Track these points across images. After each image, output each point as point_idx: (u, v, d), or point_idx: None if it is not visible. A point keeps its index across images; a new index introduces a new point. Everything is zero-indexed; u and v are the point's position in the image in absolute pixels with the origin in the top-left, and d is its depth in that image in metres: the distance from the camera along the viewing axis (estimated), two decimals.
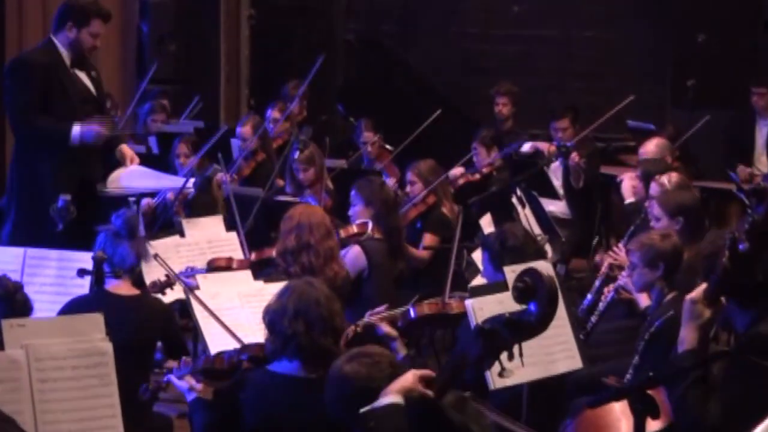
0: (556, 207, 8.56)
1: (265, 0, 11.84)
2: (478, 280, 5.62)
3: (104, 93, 6.87)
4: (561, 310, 4.91)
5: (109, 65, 6.75)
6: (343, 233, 6.17)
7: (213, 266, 5.91)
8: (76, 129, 6.36)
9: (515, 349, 3.31)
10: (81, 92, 6.52)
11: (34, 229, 6.20)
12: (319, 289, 4.08)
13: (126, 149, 6.64)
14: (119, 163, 6.60)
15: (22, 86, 6.33)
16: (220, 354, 4.37)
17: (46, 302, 5.18)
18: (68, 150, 6.36)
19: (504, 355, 3.29)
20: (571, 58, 11.46)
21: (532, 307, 3.27)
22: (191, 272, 5.49)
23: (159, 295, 5.43)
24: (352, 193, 6.47)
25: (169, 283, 5.41)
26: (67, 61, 6.48)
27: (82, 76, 6.56)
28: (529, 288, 3.25)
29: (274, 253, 5.78)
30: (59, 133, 6.35)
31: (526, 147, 8.87)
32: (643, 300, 5.55)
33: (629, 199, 7.13)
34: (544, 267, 4.53)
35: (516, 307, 3.32)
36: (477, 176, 8.54)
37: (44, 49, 6.49)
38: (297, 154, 7.44)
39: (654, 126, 9.45)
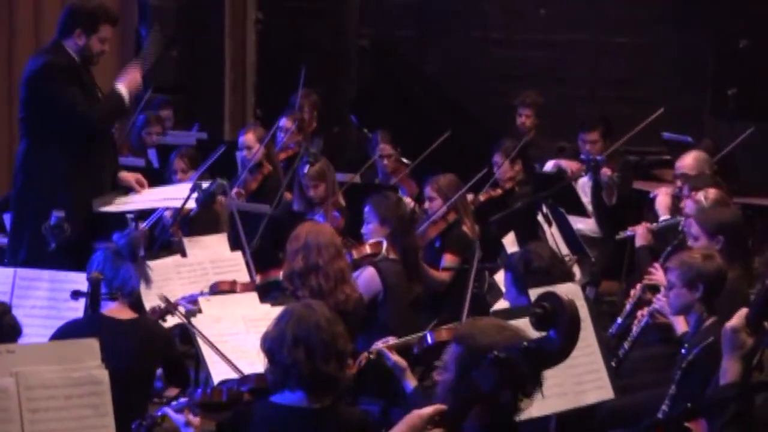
0: (584, 225, 8.55)
1: (273, 2, 11.88)
2: (501, 304, 5.61)
3: None
4: (591, 337, 4.91)
5: (105, 72, 6.79)
6: (355, 254, 6.17)
7: (215, 291, 5.92)
8: (122, 88, 6.59)
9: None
10: (90, 99, 6.58)
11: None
12: (319, 312, 4.08)
13: (128, 176, 6.69)
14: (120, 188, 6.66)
15: (61, 85, 6.40)
16: (219, 386, 4.38)
17: (37, 326, 5.19)
18: (83, 163, 6.42)
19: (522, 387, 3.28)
20: (602, 65, 11.46)
21: (552, 334, 3.26)
22: (193, 297, 5.49)
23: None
24: (366, 209, 6.48)
25: (169, 310, 5.41)
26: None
27: (89, 82, 6.64)
28: (548, 314, 3.23)
29: (281, 275, 5.78)
30: (115, 104, 6.59)
31: (549, 166, 8.84)
32: (680, 325, 5.52)
33: (664, 215, 7.11)
34: (572, 290, 4.53)
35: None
36: (499, 191, 8.54)
37: (58, 52, 6.53)
38: (307, 169, 7.45)
39: (691, 138, 9.43)
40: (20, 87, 6.60)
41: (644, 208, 7.83)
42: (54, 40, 6.64)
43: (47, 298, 5.41)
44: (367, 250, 6.25)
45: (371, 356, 5.17)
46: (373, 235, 6.40)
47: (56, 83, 6.43)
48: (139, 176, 6.73)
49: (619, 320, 5.98)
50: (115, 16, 6.67)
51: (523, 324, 3.72)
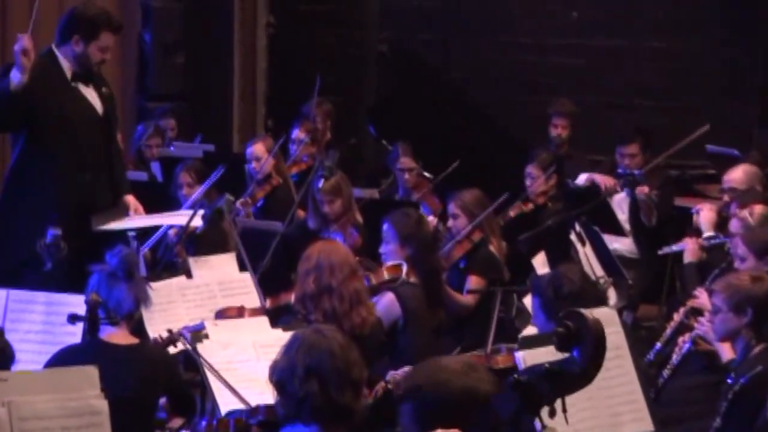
0: (621, 245, 8.54)
1: (285, 5, 11.92)
2: (530, 330, 5.61)
3: (115, 113, 6.92)
4: (628, 365, 4.91)
5: (106, 79, 6.85)
6: (373, 279, 6.17)
7: (222, 317, 5.92)
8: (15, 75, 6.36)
9: (557, 404, 3.29)
10: (83, 110, 6.60)
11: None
12: (332, 338, 4.06)
13: (131, 200, 6.71)
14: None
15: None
16: (226, 417, 4.37)
17: (31, 352, 5.21)
18: (72, 174, 6.44)
19: (544, 411, 3.29)
20: (641, 72, 11.45)
21: (576, 355, 3.26)
22: (199, 326, 5.48)
23: None
24: (385, 228, 6.48)
25: (172, 339, 5.41)
26: (68, 74, 6.57)
27: (87, 91, 6.64)
28: (572, 333, 3.25)
29: (292, 298, 5.78)
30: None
31: (581, 179, 8.83)
32: (726, 352, 5.51)
33: (708, 232, 7.10)
34: (607, 315, 4.53)
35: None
36: (530, 206, 8.54)
37: (44, 58, 6.57)
38: (321, 183, 7.46)
39: (738, 151, 9.41)
40: None
41: (687, 226, 7.81)
42: (48, 47, 6.68)
43: (42, 321, 5.43)
44: (385, 275, 6.24)
45: (389, 386, 5.16)
46: (392, 255, 6.40)
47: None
48: (138, 205, 6.74)
49: (658, 346, 5.97)
50: (118, 23, 6.69)
51: (552, 351, 3.73)
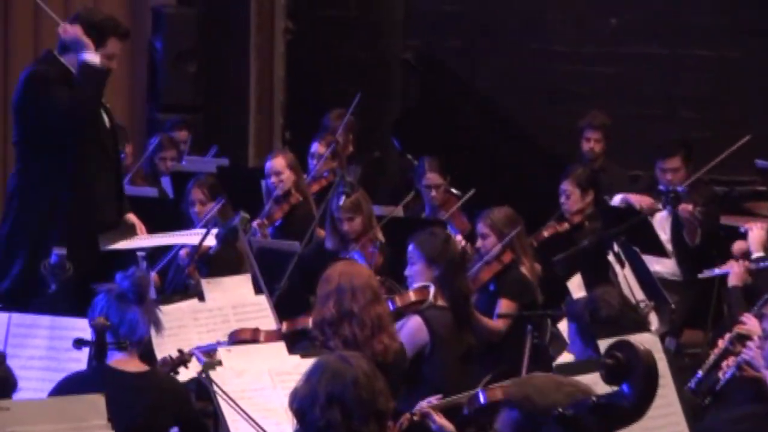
0: (663, 267, 8.51)
1: (304, 10, 11.95)
2: (565, 357, 5.59)
3: (117, 125, 6.97)
4: (671, 394, 4.89)
5: (114, 89, 6.84)
6: (399, 302, 6.15)
7: (235, 340, 5.92)
8: (87, 56, 6.49)
9: None
10: (97, 122, 6.63)
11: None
12: (357, 366, 4.06)
13: (134, 219, 6.73)
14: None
15: (44, 91, 6.45)
16: None
17: (34, 379, 5.21)
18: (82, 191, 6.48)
19: None
20: (682, 81, 11.43)
21: (626, 388, 3.24)
22: (211, 347, 5.50)
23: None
24: (410, 249, 6.47)
25: (183, 360, 5.41)
26: None
27: None
28: (621, 365, 3.23)
29: (309, 323, 5.77)
30: (90, 74, 6.47)
31: (616, 200, 8.80)
32: None
33: (757, 252, 7.07)
34: (648, 341, 4.50)
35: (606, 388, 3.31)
36: (566, 225, 8.51)
37: (49, 64, 6.59)
38: (341, 200, 7.46)
39: None
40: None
41: (734, 246, 7.77)
42: (46, 51, 6.70)
43: (46, 347, 5.44)
44: (412, 297, 6.22)
45: (414, 418, 5.14)
46: (418, 278, 6.40)
47: (39, 90, 6.46)
48: (140, 223, 6.76)
49: (700, 374, 5.93)
50: (125, 29, 6.71)
51: (591, 380, 3.71)
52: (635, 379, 3.22)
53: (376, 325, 5.58)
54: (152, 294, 5.40)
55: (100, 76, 6.56)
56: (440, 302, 6.30)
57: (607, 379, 3.26)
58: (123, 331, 5.01)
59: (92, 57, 6.50)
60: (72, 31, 6.51)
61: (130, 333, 5.00)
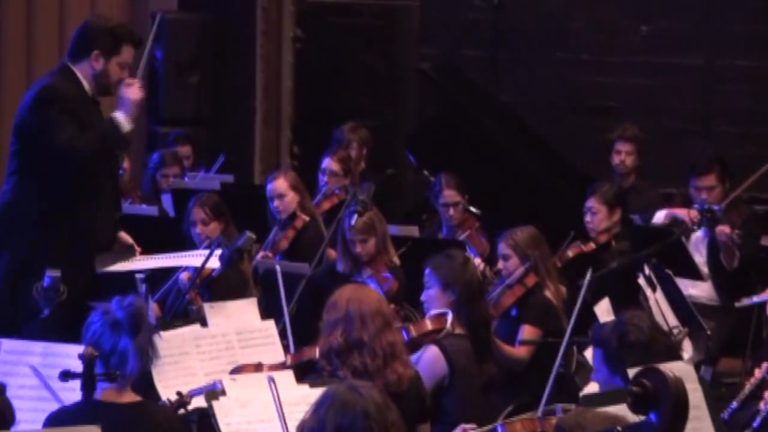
0: (698, 290, 8.49)
1: (314, 17, 11.98)
2: (593, 387, 5.59)
3: None
4: (707, 428, 4.88)
5: (111, 101, 6.88)
6: (414, 331, 6.16)
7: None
8: (119, 114, 6.56)
9: None
10: None
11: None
12: (368, 396, 4.05)
13: (126, 238, 6.75)
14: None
15: (52, 112, 6.48)
16: None
17: (26, 410, 5.20)
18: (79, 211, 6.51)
19: None
20: (718, 94, 11.43)
21: (653, 417, 3.25)
22: (214, 386, 5.48)
23: None
24: (426, 272, 6.47)
25: (183, 403, 5.40)
26: (89, 95, 6.65)
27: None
28: (649, 393, 3.23)
29: (316, 353, 5.77)
30: (109, 131, 6.54)
31: (660, 216, 8.79)
32: None
33: None
34: (682, 369, 4.50)
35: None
36: (591, 246, 8.51)
37: (65, 78, 6.62)
38: (353, 219, 7.48)
39: None
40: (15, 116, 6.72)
41: None
42: (62, 63, 6.74)
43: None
44: (428, 326, 6.22)
45: None
46: (435, 303, 6.40)
47: (48, 109, 6.50)
48: (133, 243, 6.79)
49: (735, 404, 5.92)
50: (139, 36, 6.77)
51: (618, 412, 3.72)
52: (663, 409, 3.23)
53: (388, 353, 5.56)
54: (151, 318, 5.40)
55: (119, 141, 6.65)
56: (458, 330, 6.31)
57: (634, 408, 3.27)
58: (113, 362, 4.99)
59: (125, 120, 6.57)
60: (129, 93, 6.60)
61: (120, 364, 4.97)
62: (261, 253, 8.32)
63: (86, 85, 6.62)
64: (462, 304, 6.34)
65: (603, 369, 5.34)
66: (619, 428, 3.29)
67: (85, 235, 6.58)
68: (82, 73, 6.61)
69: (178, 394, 5.44)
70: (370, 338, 5.52)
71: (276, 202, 8.59)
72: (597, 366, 5.41)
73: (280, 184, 8.63)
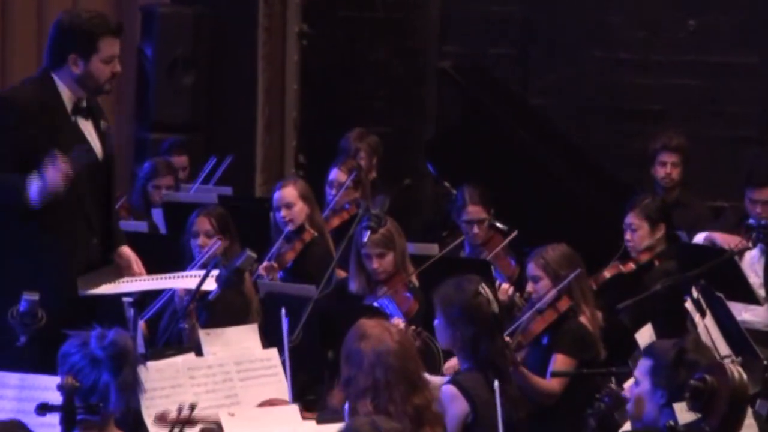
0: (753, 315, 8.50)
1: (322, 11, 12.00)
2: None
3: (113, 153, 7.00)
4: None
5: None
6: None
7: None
8: (34, 183, 6.44)
9: None
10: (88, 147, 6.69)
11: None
12: (387, 430, 4.08)
13: (128, 253, 6.78)
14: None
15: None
16: None
17: None
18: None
19: None
20: None
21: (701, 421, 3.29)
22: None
23: None
24: (435, 302, 6.48)
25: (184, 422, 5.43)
26: (68, 106, 6.65)
27: (86, 128, 6.72)
28: (708, 388, 3.25)
29: (333, 399, 5.80)
30: (12, 189, 6.47)
31: (699, 239, 8.79)
32: None
33: None
34: None
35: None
36: (632, 266, 8.52)
37: (38, 85, 6.64)
38: (367, 235, 7.50)
39: None
40: None
41: None
42: (42, 69, 6.74)
43: (15, 410, 5.46)
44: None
45: None
46: (443, 336, 6.42)
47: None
48: (137, 258, 6.81)
49: None
50: (117, 23, 6.73)
51: None
52: (718, 406, 3.26)
53: (414, 419, 5.61)
54: (140, 346, 5.42)
55: (17, 204, 6.50)
56: (468, 364, 6.35)
57: (692, 406, 3.30)
58: (93, 400, 5.00)
59: (35, 193, 6.42)
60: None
61: (101, 401, 4.99)
62: (265, 263, 8.34)
63: (66, 94, 6.63)
64: (472, 342, 6.35)
65: (646, 382, 5.36)
66: (671, 422, 3.32)
67: (63, 257, 6.60)
68: (64, 80, 6.62)
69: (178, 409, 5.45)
70: (396, 409, 5.56)
71: (283, 212, 8.62)
72: (640, 377, 5.43)
73: (288, 192, 8.66)
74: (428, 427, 5.65)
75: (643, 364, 5.45)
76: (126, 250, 6.80)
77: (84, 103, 6.68)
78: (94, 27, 6.65)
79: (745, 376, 3.53)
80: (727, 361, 6.55)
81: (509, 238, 8.80)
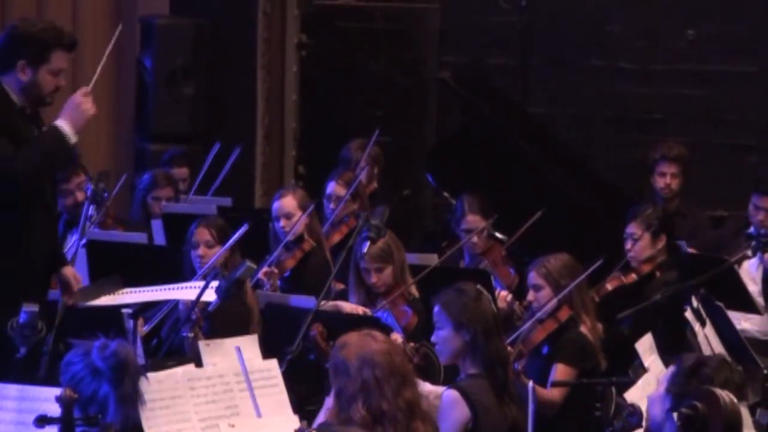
0: (753, 324, 8.51)
1: (321, 22, 12.01)
2: None
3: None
4: None
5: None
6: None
7: None
8: (62, 122, 6.58)
9: None
10: None
11: None
12: None
13: (72, 273, 6.79)
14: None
15: None
16: None
17: None
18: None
19: None
20: None
21: None
22: None
23: None
24: (436, 311, 6.46)
25: None
26: (17, 107, 6.68)
27: (33, 134, 6.74)
28: (699, 416, 3.26)
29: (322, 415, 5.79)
30: (51, 144, 6.59)
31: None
32: None
33: None
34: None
35: None
36: (633, 277, 8.52)
37: None
38: (366, 247, 7.49)
39: None
40: None
41: None
42: None
43: (14, 421, 5.46)
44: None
45: None
46: (447, 345, 6.42)
47: None
48: (79, 280, 6.83)
49: None
50: (70, 39, 6.75)
51: None
52: None
53: (408, 414, 5.60)
54: (140, 358, 5.41)
55: (64, 155, 6.68)
56: (473, 370, 6.34)
57: (683, 430, 3.31)
58: (92, 411, 5.01)
59: (71, 132, 6.59)
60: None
61: (100, 413, 4.99)
62: (265, 269, 8.33)
63: (15, 97, 6.64)
64: (478, 344, 6.35)
65: (662, 386, 5.35)
66: None
67: (12, 266, 6.61)
68: (10, 85, 6.63)
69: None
70: (389, 405, 5.54)
71: (282, 222, 8.62)
72: (660, 381, 5.43)
73: (287, 202, 8.67)
74: (419, 421, 5.64)
75: (668, 370, 5.46)
76: (68, 271, 6.83)
77: (28, 111, 6.70)
78: (49, 38, 6.66)
79: (736, 402, 3.53)
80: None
81: (490, 221, 8.81)
